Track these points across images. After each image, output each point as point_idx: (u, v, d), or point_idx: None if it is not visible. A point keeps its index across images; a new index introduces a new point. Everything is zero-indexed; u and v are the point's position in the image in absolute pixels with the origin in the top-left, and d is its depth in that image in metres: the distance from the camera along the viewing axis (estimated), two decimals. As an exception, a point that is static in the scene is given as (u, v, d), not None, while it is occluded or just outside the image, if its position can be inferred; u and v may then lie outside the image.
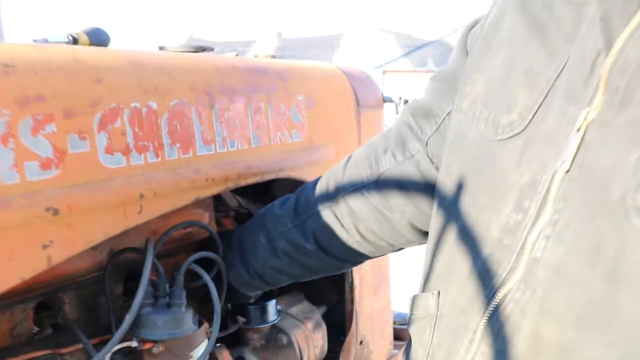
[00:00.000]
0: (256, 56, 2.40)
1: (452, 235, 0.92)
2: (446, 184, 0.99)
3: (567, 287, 0.69)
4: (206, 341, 1.67)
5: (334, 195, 1.42)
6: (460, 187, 0.95)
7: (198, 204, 1.79)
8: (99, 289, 1.63)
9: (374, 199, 1.33)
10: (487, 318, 0.79)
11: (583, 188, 0.72)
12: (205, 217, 2.06)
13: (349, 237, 1.44)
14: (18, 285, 1.19)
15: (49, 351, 1.50)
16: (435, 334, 0.95)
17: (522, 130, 0.84)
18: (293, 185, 1.90)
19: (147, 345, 1.54)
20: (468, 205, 0.91)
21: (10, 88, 1.16)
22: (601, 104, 0.74)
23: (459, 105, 1.04)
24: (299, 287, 2.26)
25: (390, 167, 1.31)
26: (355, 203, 1.37)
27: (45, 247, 1.21)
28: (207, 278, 1.65)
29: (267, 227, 1.60)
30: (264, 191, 2.31)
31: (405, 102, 1.61)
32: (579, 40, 0.78)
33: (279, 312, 2.04)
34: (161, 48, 2.00)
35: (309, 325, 2.07)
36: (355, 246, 1.44)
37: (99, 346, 1.62)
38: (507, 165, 0.85)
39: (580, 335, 0.67)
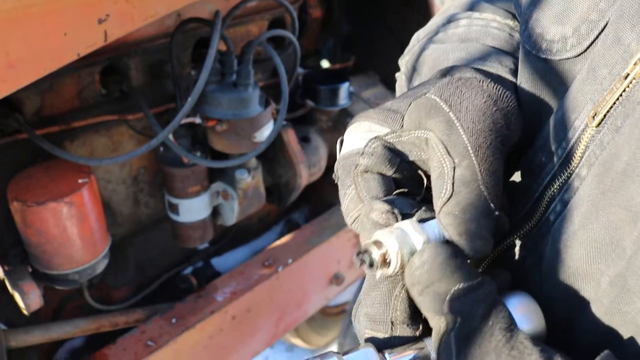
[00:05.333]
0: None
1: None
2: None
3: (572, 272, 0.55)
4: (272, 122, 1.63)
5: None
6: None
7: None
8: (166, 56, 1.57)
9: None
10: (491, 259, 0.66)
11: (609, 166, 0.52)
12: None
13: None
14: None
15: (116, 117, 1.50)
16: None
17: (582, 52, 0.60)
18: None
19: (211, 123, 1.52)
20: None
21: None
22: None
23: None
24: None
25: None
26: None
27: (101, 21, 1.12)
28: (277, 59, 1.55)
29: None
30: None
31: None
32: None
33: (351, 95, 1.95)
34: None
35: (380, 111, 1.99)
36: None
37: (165, 115, 1.62)
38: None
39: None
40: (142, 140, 1.60)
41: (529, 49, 0.65)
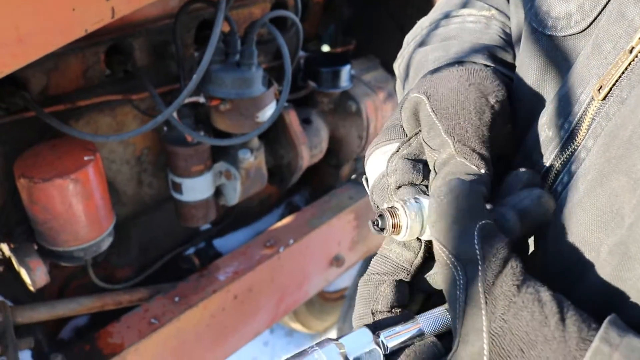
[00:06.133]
0: None
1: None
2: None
3: (574, 239, 0.57)
4: (274, 102, 1.65)
5: None
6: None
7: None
8: (170, 37, 1.58)
9: None
10: None
11: (615, 135, 0.54)
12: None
13: None
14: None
15: (120, 96, 1.52)
16: None
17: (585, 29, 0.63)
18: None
19: (214, 102, 1.54)
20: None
21: None
22: None
23: None
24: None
25: None
26: None
27: (108, -2, 1.13)
28: (281, 39, 1.56)
29: None
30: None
31: None
32: None
33: (352, 78, 1.96)
34: None
35: (381, 95, 2.01)
36: None
37: (168, 95, 1.63)
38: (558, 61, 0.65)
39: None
40: (145, 120, 1.62)
41: (535, 26, 0.68)
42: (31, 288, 1.46)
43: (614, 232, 0.53)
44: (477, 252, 0.49)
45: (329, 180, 2.20)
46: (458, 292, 0.50)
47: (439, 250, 0.52)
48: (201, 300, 1.73)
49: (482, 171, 0.58)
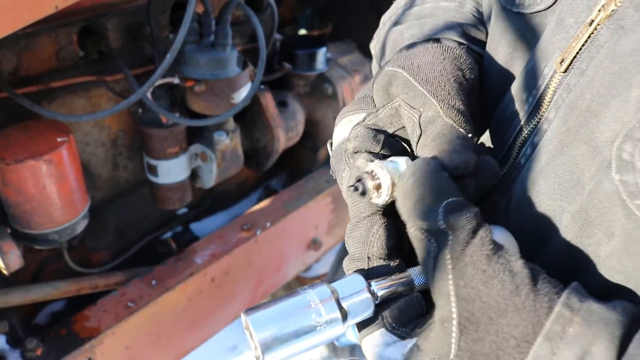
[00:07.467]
0: None
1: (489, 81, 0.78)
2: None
3: (536, 209, 0.58)
4: (250, 84, 1.64)
5: None
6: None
7: None
8: (144, 18, 1.57)
9: None
10: None
11: (574, 105, 0.56)
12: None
13: None
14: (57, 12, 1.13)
15: (94, 77, 1.50)
16: None
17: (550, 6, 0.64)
18: None
19: (189, 84, 1.53)
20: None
21: None
22: None
23: None
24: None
25: None
26: None
27: (79, -26, 1.12)
28: (254, 18, 1.56)
29: None
30: None
31: None
32: None
33: (328, 60, 1.96)
34: None
35: (357, 78, 2.01)
36: None
37: (143, 77, 1.62)
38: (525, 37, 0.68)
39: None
40: (120, 102, 1.60)
41: (504, 4, 0.69)
42: (5, 272, 1.45)
43: (575, 200, 0.54)
44: (444, 224, 0.49)
45: (306, 163, 2.20)
46: (429, 261, 0.51)
47: (410, 228, 0.52)
48: (178, 284, 1.73)
49: (470, 135, 0.59)
